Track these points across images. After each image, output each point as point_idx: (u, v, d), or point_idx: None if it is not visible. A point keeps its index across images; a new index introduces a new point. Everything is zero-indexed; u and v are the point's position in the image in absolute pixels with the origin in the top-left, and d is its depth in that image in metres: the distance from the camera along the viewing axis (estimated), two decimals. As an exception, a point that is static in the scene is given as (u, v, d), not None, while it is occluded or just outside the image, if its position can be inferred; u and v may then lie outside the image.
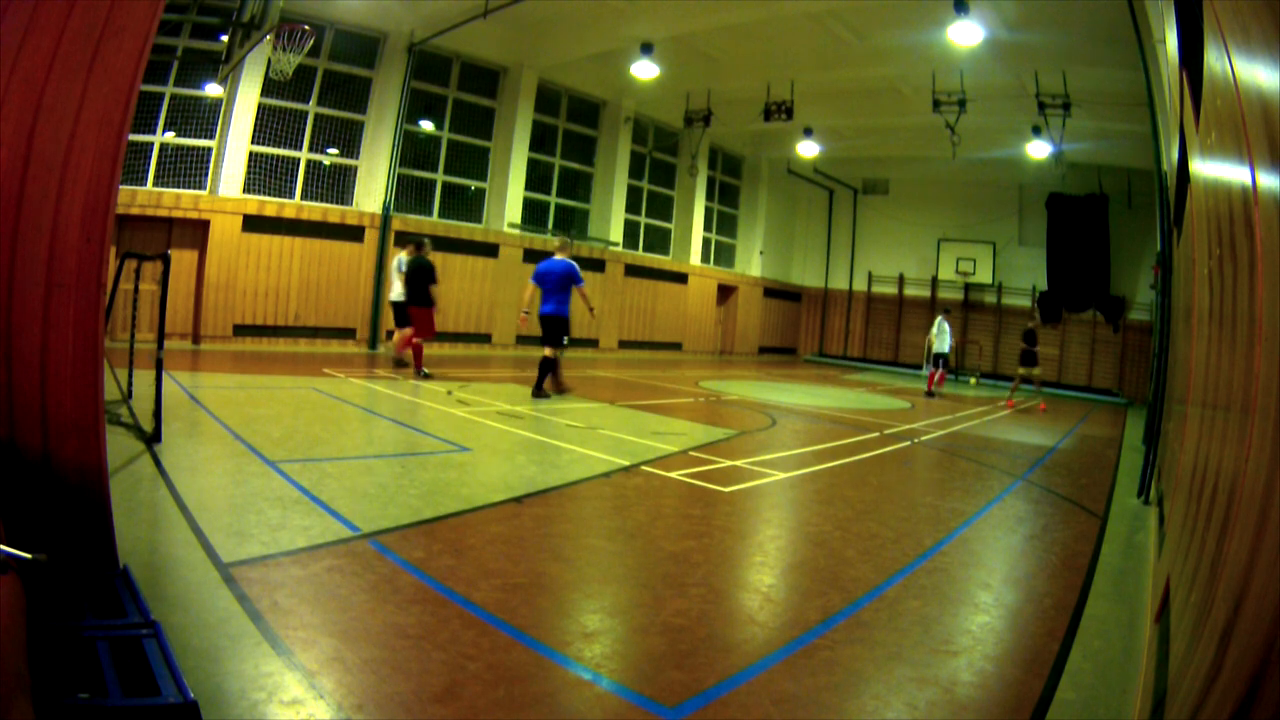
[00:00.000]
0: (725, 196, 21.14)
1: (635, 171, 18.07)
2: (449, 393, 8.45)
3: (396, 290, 10.29)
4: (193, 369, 8.93)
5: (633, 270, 17.89)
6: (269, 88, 12.00)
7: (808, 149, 17.84)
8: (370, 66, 13.36)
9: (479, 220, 15.25)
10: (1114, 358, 18.30)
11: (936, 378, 13.75)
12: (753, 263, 21.61)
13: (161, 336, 5.24)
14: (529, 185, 15.75)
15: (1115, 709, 2.37)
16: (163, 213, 11.25)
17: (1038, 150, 14.95)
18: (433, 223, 14.35)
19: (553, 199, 16.64)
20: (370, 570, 3.02)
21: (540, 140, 16.00)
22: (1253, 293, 1.14)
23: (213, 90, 11.66)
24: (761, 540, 4.07)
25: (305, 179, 12.84)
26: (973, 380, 18.75)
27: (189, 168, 11.66)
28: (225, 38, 9.94)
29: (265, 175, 12.36)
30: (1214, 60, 1.76)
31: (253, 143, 12.09)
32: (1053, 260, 18.75)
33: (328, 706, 2.02)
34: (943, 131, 13.83)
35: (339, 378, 9.16)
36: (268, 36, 7.99)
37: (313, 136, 12.89)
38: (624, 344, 17.82)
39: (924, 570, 3.62)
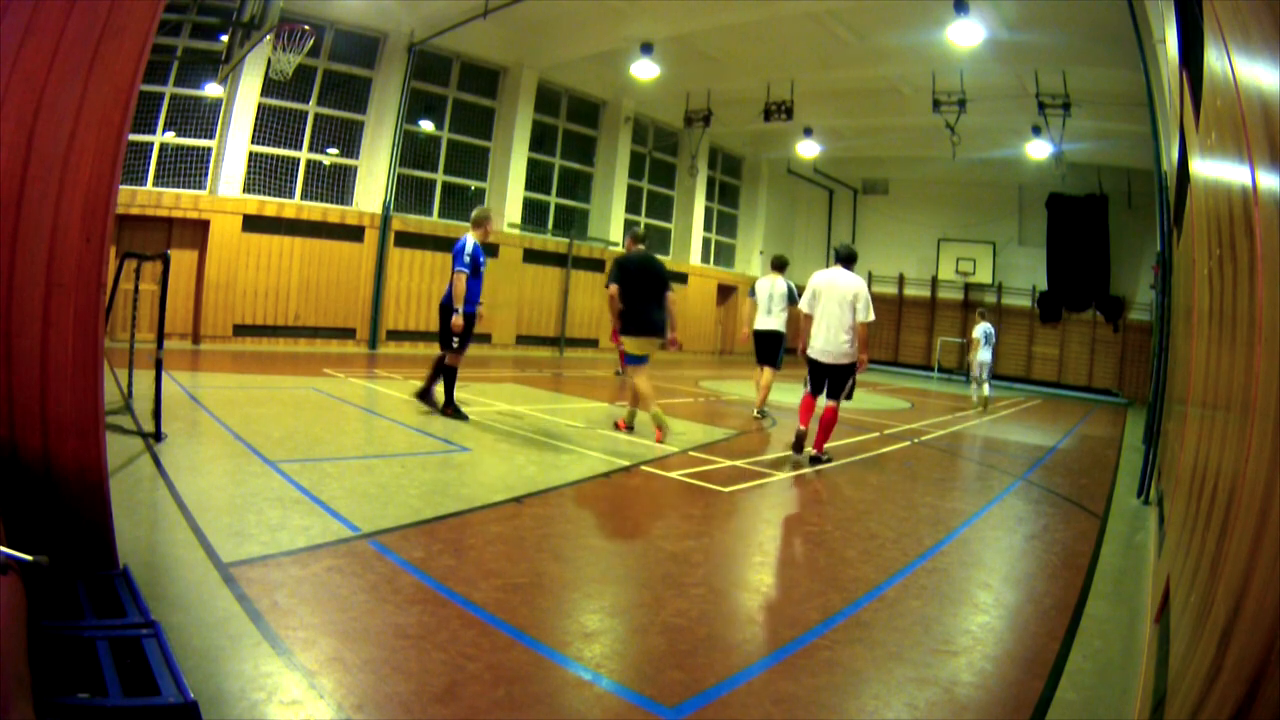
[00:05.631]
0: (725, 196, 21.13)
1: (635, 171, 18.06)
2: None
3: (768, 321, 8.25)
4: (193, 369, 8.93)
5: (633, 270, 17.88)
6: (269, 88, 12.00)
7: (808, 149, 17.83)
8: (370, 66, 13.36)
9: (479, 220, 15.24)
10: (1114, 358, 18.29)
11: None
12: (753, 263, 21.60)
13: (161, 336, 5.25)
14: (529, 185, 15.74)
15: (1115, 709, 2.37)
16: (163, 213, 11.25)
17: (1038, 150, 14.95)
18: (433, 223, 14.35)
19: (553, 199, 16.64)
20: (370, 570, 3.02)
21: (540, 140, 15.99)
22: (1253, 293, 1.13)
23: (213, 90, 11.66)
24: (761, 540, 4.07)
25: (305, 179, 12.84)
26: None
27: (189, 168, 11.66)
28: (225, 38, 9.96)
29: (265, 175, 12.36)
30: (1214, 60, 1.76)
31: (253, 143, 12.09)
32: (1053, 260, 18.74)
33: (328, 706, 2.02)
34: (943, 131, 13.82)
35: (339, 378, 9.16)
36: (268, 36, 8.01)
37: (313, 136, 12.89)
38: (624, 344, 17.80)
39: (924, 570, 3.62)
